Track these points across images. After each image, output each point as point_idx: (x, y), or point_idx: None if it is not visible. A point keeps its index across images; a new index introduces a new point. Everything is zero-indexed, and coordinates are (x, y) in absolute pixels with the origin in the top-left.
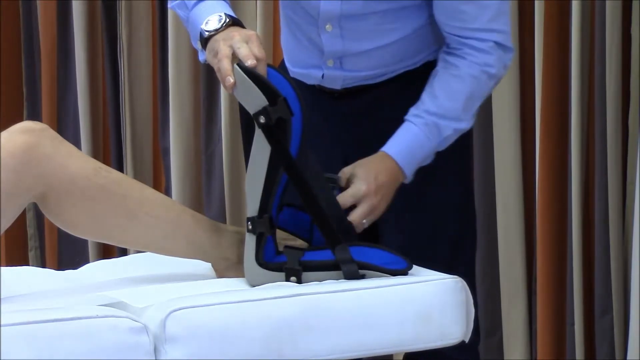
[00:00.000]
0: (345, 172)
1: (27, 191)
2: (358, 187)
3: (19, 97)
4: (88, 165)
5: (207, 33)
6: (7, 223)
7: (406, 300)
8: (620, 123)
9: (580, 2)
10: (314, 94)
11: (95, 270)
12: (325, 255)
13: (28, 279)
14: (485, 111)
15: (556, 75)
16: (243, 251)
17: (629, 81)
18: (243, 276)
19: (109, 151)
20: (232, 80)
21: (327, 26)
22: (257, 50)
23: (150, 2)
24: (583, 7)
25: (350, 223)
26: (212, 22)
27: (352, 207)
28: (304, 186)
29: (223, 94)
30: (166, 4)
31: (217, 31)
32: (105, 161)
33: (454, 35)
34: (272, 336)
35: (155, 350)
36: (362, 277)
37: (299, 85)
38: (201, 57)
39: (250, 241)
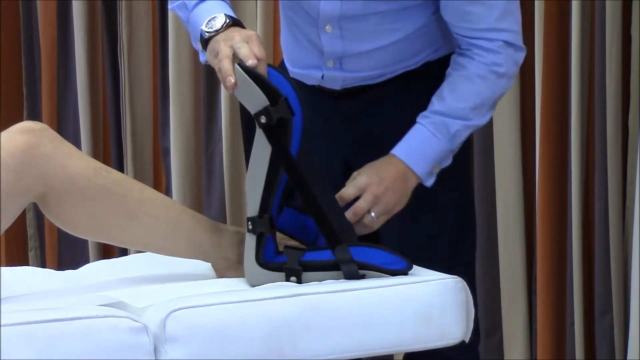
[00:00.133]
0: (352, 176)
1: (27, 191)
2: (359, 179)
3: (19, 97)
4: (88, 165)
5: (207, 34)
6: (7, 223)
7: (406, 300)
8: (620, 123)
9: (580, 2)
10: (313, 95)
11: (95, 270)
12: (325, 255)
13: (28, 279)
14: None
15: (556, 75)
16: (243, 251)
17: (629, 81)
18: (243, 276)
19: (109, 151)
20: (233, 80)
21: (327, 27)
22: (258, 50)
23: (151, 2)
24: (583, 7)
25: (350, 223)
26: (212, 22)
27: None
28: (304, 186)
29: (223, 94)
30: (166, 4)
31: (217, 32)
32: (106, 161)
33: (463, 36)
34: (272, 336)
35: (155, 350)
36: (362, 277)
37: (298, 85)
38: (202, 58)
39: (250, 241)
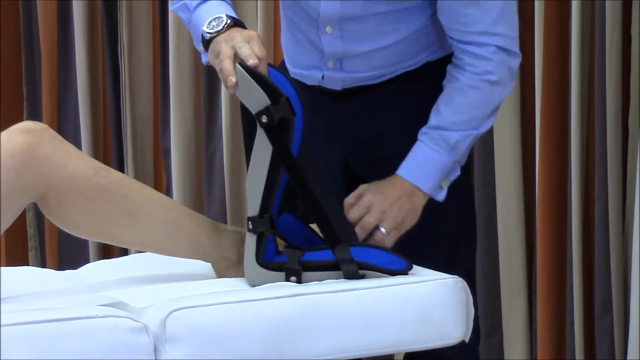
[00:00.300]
0: (355, 194)
1: (27, 191)
2: (364, 199)
3: (19, 97)
4: (88, 165)
5: (208, 35)
6: (7, 223)
7: (406, 300)
8: (620, 123)
9: (580, 2)
10: (314, 95)
11: (95, 270)
12: (326, 255)
13: (28, 279)
14: None
15: (556, 75)
16: (243, 251)
17: (629, 81)
18: (243, 276)
19: (109, 151)
20: (234, 80)
21: (327, 28)
22: (259, 50)
23: (151, 2)
24: (583, 7)
25: (350, 223)
26: (213, 23)
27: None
28: (305, 186)
29: (224, 94)
30: (167, 4)
31: (218, 33)
32: (106, 161)
33: (456, 40)
34: (272, 336)
35: (155, 350)
36: (362, 277)
37: (299, 85)
38: (204, 59)
39: (250, 241)
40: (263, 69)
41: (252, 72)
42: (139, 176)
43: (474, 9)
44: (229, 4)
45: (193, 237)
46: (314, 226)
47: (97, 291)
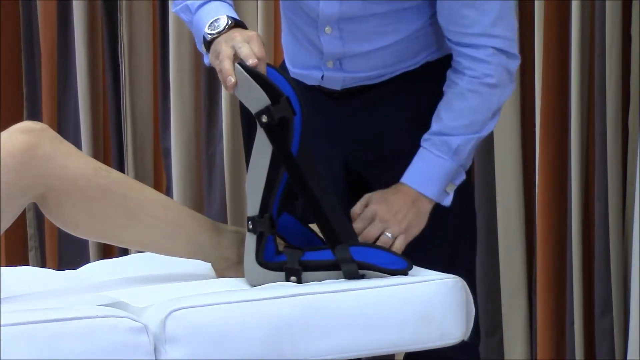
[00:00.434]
0: (360, 203)
1: (27, 191)
2: (368, 209)
3: (19, 97)
4: (88, 165)
5: (209, 36)
6: (7, 223)
7: (406, 300)
8: (620, 123)
9: (580, 2)
10: (314, 95)
11: (95, 270)
12: (326, 255)
13: (28, 279)
14: None
15: (556, 75)
16: (243, 251)
17: (629, 81)
18: (243, 276)
19: (109, 151)
20: (233, 80)
21: (327, 28)
22: (258, 49)
23: (151, 2)
24: (583, 7)
25: (350, 223)
26: (214, 24)
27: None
28: (305, 185)
29: (224, 94)
30: (167, 4)
31: (219, 34)
32: (106, 161)
33: (454, 42)
34: (272, 336)
35: (155, 350)
36: (362, 277)
37: (299, 85)
38: (206, 60)
39: (250, 241)
40: (262, 69)
41: (251, 71)
42: (139, 176)
43: (472, 10)
44: (230, 5)
45: (193, 237)
46: (313, 226)
47: (97, 291)
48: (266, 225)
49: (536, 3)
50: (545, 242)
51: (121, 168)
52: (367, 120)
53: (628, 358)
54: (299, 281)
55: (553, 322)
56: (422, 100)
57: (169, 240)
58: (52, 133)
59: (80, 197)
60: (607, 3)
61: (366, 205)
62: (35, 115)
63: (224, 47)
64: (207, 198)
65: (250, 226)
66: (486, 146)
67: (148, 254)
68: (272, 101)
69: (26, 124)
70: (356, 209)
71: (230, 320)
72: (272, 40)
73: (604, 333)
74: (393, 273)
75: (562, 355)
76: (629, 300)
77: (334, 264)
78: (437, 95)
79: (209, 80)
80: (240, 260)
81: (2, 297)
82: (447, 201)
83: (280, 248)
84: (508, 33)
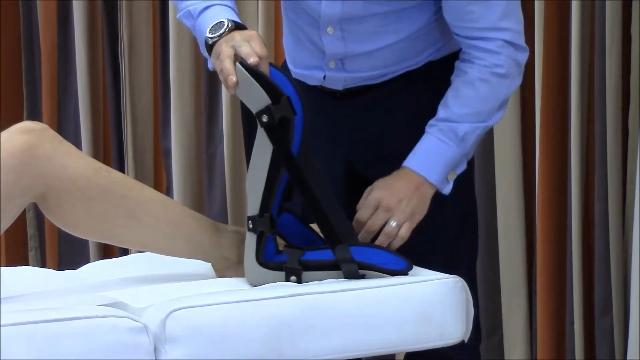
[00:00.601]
0: (364, 196)
1: (27, 191)
2: (371, 196)
3: (19, 97)
4: (88, 165)
5: (211, 39)
6: (7, 223)
7: (406, 300)
8: (620, 123)
9: (580, 2)
10: (315, 95)
11: (95, 270)
12: (326, 255)
13: (28, 279)
14: None
15: (556, 75)
16: (243, 251)
17: (629, 81)
18: (243, 276)
19: (109, 151)
20: (234, 79)
21: (329, 28)
22: (259, 48)
23: (152, 2)
24: (583, 7)
25: (350, 223)
26: (215, 28)
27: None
28: (305, 185)
29: (224, 94)
30: (167, 4)
31: (220, 37)
32: (106, 161)
33: (463, 37)
34: (272, 336)
35: (155, 350)
36: (362, 277)
37: (300, 85)
38: (209, 65)
39: (250, 240)
40: (264, 68)
41: (252, 71)
42: (139, 176)
43: (478, 6)
44: (231, 8)
45: (193, 237)
46: (314, 226)
47: (97, 291)
48: (266, 225)
49: (536, 3)
50: (545, 242)
51: (121, 168)
52: (369, 120)
53: (628, 358)
54: (299, 281)
55: (553, 322)
56: (423, 100)
57: (169, 240)
58: (52, 133)
59: (80, 197)
60: (607, 3)
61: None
62: (35, 115)
63: (224, 47)
64: (208, 198)
65: (251, 226)
66: (486, 146)
67: (148, 254)
68: (273, 101)
69: (26, 124)
70: (360, 203)
71: (230, 320)
72: (273, 41)
73: (604, 333)
74: (393, 273)
75: (562, 355)
76: (629, 300)
77: (334, 264)
78: (438, 95)
79: (210, 80)
80: (240, 260)
81: (2, 297)
82: (447, 189)
83: (281, 247)
84: (516, 25)
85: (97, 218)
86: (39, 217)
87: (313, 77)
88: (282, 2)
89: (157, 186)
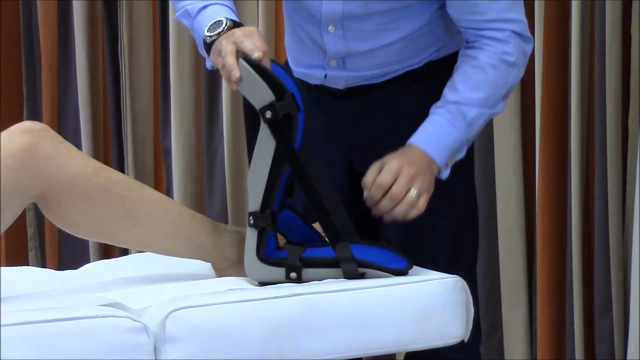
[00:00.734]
0: (376, 164)
1: (27, 191)
2: (391, 164)
3: (19, 97)
4: (88, 165)
5: (209, 38)
6: (7, 223)
7: (406, 300)
8: (620, 123)
9: (580, 2)
10: (317, 94)
11: (95, 270)
12: (327, 252)
13: (28, 279)
14: None
15: (556, 76)
16: (243, 251)
17: (629, 81)
18: (243, 276)
19: (109, 151)
20: (238, 75)
21: (330, 27)
22: (260, 44)
23: (151, 2)
24: (583, 7)
25: (351, 221)
26: (214, 27)
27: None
28: (307, 182)
29: (225, 94)
30: (167, 4)
31: (219, 35)
32: (106, 161)
33: (471, 28)
34: (272, 336)
35: (155, 350)
36: (362, 275)
37: (301, 84)
38: (208, 64)
39: (251, 236)
40: (266, 64)
41: (256, 66)
42: (139, 176)
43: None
44: (230, 8)
45: (193, 237)
46: (316, 226)
47: (97, 291)
48: (267, 221)
49: (536, 3)
50: (545, 242)
51: (121, 168)
52: (370, 119)
53: (628, 358)
54: (299, 278)
55: (553, 322)
56: (424, 100)
57: (169, 240)
58: (52, 133)
59: (80, 197)
60: (607, 3)
61: (379, 172)
62: (35, 115)
63: (225, 44)
64: (208, 198)
65: (252, 221)
66: (486, 146)
67: (148, 254)
68: (277, 97)
69: (26, 124)
70: (368, 177)
71: (230, 320)
72: (273, 41)
73: (604, 333)
74: (393, 272)
75: (562, 355)
76: (629, 300)
77: (335, 262)
78: (439, 95)
79: (210, 80)
80: (240, 260)
81: (2, 297)
82: (446, 174)
83: (281, 244)
84: (522, 17)
85: (97, 218)
86: (39, 217)
87: (314, 76)
88: (283, 2)
89: (157, 186)
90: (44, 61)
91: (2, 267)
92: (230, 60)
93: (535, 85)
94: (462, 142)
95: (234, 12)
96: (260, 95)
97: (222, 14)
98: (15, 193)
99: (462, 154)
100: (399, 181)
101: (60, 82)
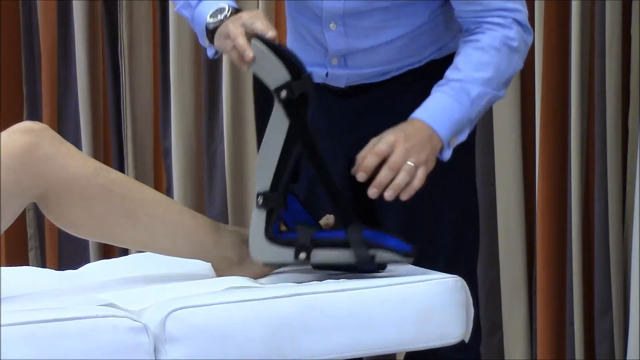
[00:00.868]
0: (373, 140)
1: (27, 191)
2: (387, 137)
3: (19, 97)
4: (88, 165)
5: (212, 25)
6: (7, 223)
7: (406, 300)
8: (620, 123)
9: (580, 2)
10: (318, 92)
11: (95, 270)
12: (337, 235)
13: (28, 279)
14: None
15: (556, 75)
16: (243, 251)
17: (629, 81)
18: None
19: (109, 151)
20: (251, 55)
21: (331, 25)
22: (268, 25)
23: (151, 2)
24: (583, 7)
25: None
26: (216, 13)
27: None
28: (321, 161)
29: (225, 94)
30: (167, 4)
31: (222, 21)
32: (106, 161)
33: (472, 17)
34: (272, 336)
35: (155, 350)
36: (372, 258)
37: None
38: (210, 52)
39: (259, 216)
40: None
41: (272, 46)
42: (139, 176)
43: None
44: None
45: (193, 237)
46: (323, 223)
47: (97, 291)
48: (278, 201)
49: (536, 3)
50: (545, 242)
51: (121, 168)
52: (371, 118)
53: (628, 358)
54: (308, 258)
55: (553, 322)
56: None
57: (169, 240)
58: (52, 133)
59: (80, 197)
60: (607, 3)
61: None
62: (35, 115)
63: (232, 27)
64: (208, 198)
65: (260, 201)
66: (486, 146)
67: (148, 254)
68: (294, 77)
69: (26, 124)
70: (364, 151)
71: (230, 320)
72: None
73: (604, 333)
74: (401, 253)
75: (562, 355)
76: (629, 300)
77: (345, 243)
78: None
79: (210, 80)
80: (240, 261)
81: (2, 297)
82: (447, 155)
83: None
84: (523, 8)
85: (97, 218)
86: (39, 217)
87: (316, 75)
88: (286, 2)
89: (157, 186)
90: (44, 61)
91: (2, 267)
92: (241, 40)
93: (535, 84)
94: (464, 121)
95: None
96: (276, 74)
97: (224, 1)
98: (15, 193)
99: (464, 136)
100: (396, 150)
101: (60, 82)
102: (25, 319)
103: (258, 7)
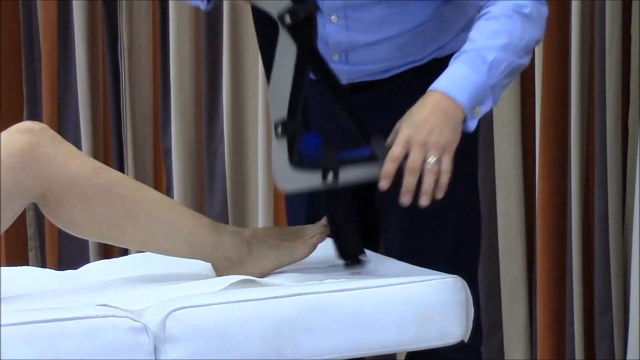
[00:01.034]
0: (394, 130)
1: (27, 191)
2: (400, 134)
3: (19, 97)
4: (88, 165)
5: None
6: (7, 223)
7: (406, 300)
8: (620, 123)
9: (580, 2)
10: (319, 90)
11: (95, 270)
12: (361, 152)
13: (28, 279)
14: None
15: (556, 76)
16: (243, 251)
17: (629, 81)
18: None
19: (109, 151)
20: None
21: (333, 17)
22: None
23: (151, 2)
24: (583, 7)
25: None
26: None
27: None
28: (334, 81)
29: (225, 94)
30: (167, 4)
31: None
32: (106, 161)
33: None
34: (272, 336)
35: (155, 350)
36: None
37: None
38: (203, 5)
39: (280, 145)
40: None
41: None
42: (139, 176)
43: None
44: None
45: (193, 237)
46: (323, 223)
47: (97, 291)
48: (298, 127)
49: None
50: (545, 242)
51: (121, 168)
52: (372, 116)
53: (628, 358)
54: (336, 178)
55: (553, 322)
56: None
57: (169, 240)
58: (52, 133)
59: (80, 197)
60: (607, 3)
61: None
62: (35, 115)
63: None
64: (208, 198)
65: (280, 130)
66: (486, 146)
67: (148, 254)
68: (295, 0)
69: (26, 124)
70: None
71: (230, 320)
72: None
73: (604, 333)
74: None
75: (562, 355)
76: (629, 300)
77: (372, 157)
78: None
79: (210, 80)
80: (240, 261)
81: (2, 297)
82: (473, 125)
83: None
84: None
85: (97, 218)
86: (39, 217)
87: None
88: None
89: (156, 186)
90: (44, 61)
91: (2, 267)
92: None
93: (535, 84)
94: (485, 88)
95: None
96: (277, 1)
97: None
98: (15, 193)
99: (487, 107)
100: (413, 150)
101: (60, 82)
102: (25, 319)
103: None
